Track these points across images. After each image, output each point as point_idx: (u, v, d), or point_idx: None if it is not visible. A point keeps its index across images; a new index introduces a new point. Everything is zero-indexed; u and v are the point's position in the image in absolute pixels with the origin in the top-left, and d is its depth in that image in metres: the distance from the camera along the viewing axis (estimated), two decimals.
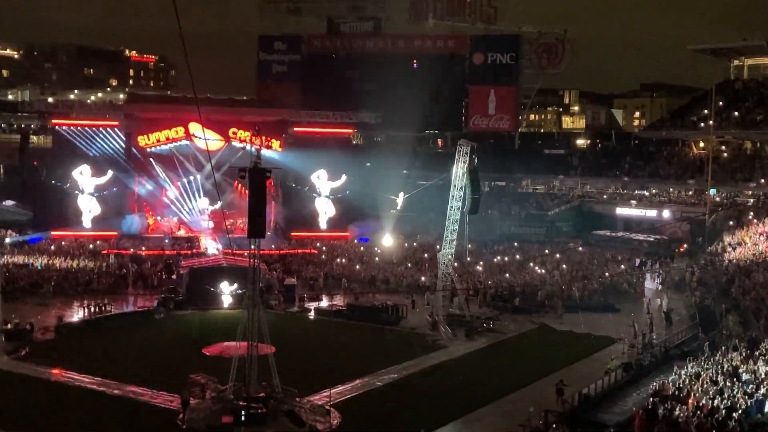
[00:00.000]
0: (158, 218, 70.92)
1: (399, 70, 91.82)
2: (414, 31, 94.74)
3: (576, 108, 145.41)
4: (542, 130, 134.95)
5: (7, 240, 63.29)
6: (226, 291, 49.82)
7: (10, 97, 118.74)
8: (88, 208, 69.38)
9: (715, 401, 27.10)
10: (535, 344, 43.01)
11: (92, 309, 47.46)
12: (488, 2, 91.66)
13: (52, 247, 63.77)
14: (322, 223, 73.85)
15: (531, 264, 61.30)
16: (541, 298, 51.56)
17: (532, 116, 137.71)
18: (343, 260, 63.55)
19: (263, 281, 48.61)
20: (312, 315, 50.09)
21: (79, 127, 69.82)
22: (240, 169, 31.33)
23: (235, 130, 67.89)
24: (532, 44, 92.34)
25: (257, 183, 30.82)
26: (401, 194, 69.26)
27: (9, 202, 73.23)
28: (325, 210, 74.02)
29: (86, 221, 69.28)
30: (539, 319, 48.54)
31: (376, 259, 64.53)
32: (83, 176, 69.08)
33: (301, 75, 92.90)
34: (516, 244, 71.56)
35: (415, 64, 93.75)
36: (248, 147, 48.07)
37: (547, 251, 66.34)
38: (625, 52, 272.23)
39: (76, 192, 69.20)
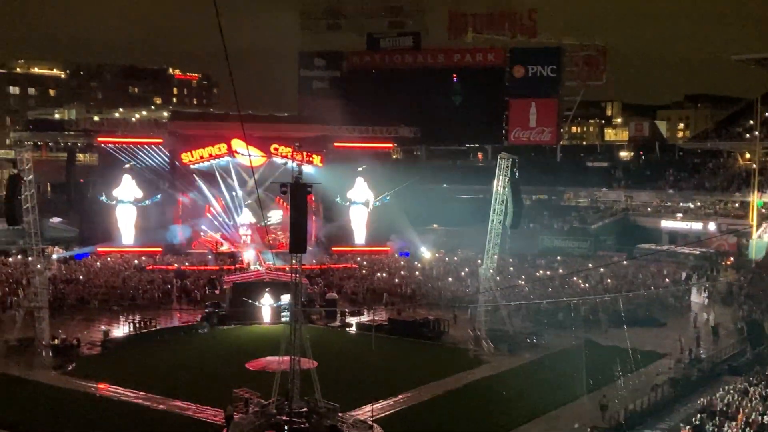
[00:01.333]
0: (201, 234, 71.56)
1: (439, 84, 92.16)
2: (453, 45, 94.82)
3: (619, 120, 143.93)
4: (584, 143, 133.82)
5: (54, 256, 64.39)
6: (268, 305, 50.20)
7: (57, 116, 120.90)
8: (127, 219, 70.17)
9: (765, 417, 26.60)
10: (579, 359, 42.38)
11: (137, 324, 48.13)
12: (528, 15, 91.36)
13: (98, 264, 64.77)
14: (359, 236, 74.43)
15: (574, 278, 60.64)
16: (585, 313, 50.95)
17: (574, 129, 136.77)
18: (384, 274, 63.56)
19: (305, 296, 48.80)
20: (353, 330, 50.12)
21: (124, 145, 71.02)
22: (282, 185, 31.61)
23: (276, 145, 68.47)
24: (572, 56, 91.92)
25: (298, 198, 31.02)
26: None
27: (56, 219, 74.47)
28: (358, 220, 74.50)
29: (127, 235, 70.08)
30: (583, 333, 47.93)
31: (417, 273, 64.42)
32: (124, 188, 69.95)
33: (342, 91, 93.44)
34: (558, 258, 70.84)
35: (455, 78, 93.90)
36: (289, 162, 48.42)
37: (590, 265, 65.56)
38: (668, 63, 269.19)
39: (115, 203, 69.99)
